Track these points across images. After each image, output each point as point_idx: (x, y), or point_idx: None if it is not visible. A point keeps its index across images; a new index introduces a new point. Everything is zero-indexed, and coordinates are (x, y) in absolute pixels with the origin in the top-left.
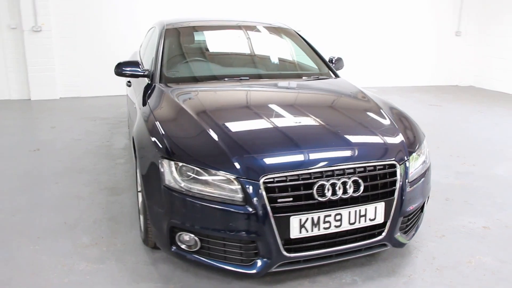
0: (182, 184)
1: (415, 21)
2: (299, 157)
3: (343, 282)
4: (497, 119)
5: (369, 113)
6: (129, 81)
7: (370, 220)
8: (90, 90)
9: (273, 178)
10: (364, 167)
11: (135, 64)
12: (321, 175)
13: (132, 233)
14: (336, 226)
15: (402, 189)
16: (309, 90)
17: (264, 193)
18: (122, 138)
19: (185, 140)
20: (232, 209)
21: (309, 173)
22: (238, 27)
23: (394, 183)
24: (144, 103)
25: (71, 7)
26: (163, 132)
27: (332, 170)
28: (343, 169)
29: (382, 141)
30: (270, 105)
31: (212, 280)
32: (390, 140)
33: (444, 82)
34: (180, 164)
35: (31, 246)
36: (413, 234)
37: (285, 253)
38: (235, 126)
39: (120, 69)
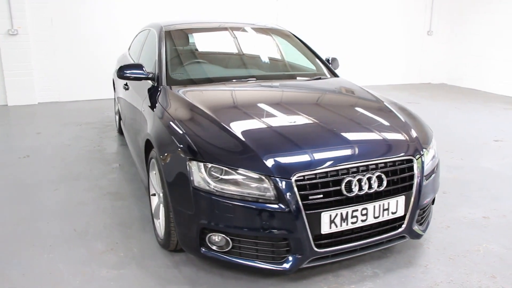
0: (212, 185)
1: (389, 21)
2: (326, 155)
3: (365, 275)
4: (474, 114)
5: (381, 111)
6: (126, 84)
7: (392, 213)
8: (70, 95)
9: (304, 176)
10: (385, 162)
11: (138, 67)
12: (347, 171)
13: (146, 238)
14: (362, 221)
15: (419, 183)
16: (320, 89)
17: (296, 190)
18: (113, 143)
19: (211, 140)
20: (265, 208)
21: (337, 170)
22: (235, 29)
23: (412, 177)
24: (155, 106)
25: (48, 10)
26: (188, 134)
27: (357, 167)
28: (367, 165)
29: (399, 138)
30: (286, 105)
31: (239, 280)
32: (406, 136)
33: (417, 80)
34: (210, 165)
35: (45, 255)
36: (427, 226)
37: (315, 248)
38: (257, 126)
39: (122, 72)
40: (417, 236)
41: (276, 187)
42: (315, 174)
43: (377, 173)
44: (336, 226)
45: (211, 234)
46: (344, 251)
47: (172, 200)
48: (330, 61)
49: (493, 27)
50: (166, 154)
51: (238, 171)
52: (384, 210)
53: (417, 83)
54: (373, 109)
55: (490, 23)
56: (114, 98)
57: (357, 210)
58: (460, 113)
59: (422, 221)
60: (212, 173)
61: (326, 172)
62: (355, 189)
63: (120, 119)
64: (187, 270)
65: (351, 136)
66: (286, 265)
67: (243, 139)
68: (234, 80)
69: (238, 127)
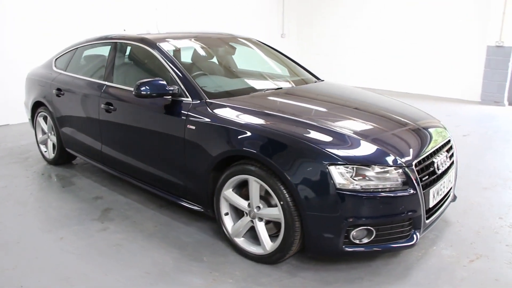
0: (355, 184)
1: (248, 24)
2: (420, 143)
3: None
4: None
5: (405, 105)
6: (110, 105)
7: (450, 182)
8: None
9: (417, 162)
10: (445, 144)
11: (161, 82)
12: (431, 155)
13: (232, 259)
14: (443, 192)
15: (456, 157)
16: (344, 92)
17: (416, 175)
18: (69, 176)
19: (340, 144)
20: (399, 194)
21: (428, 155)
22: (221, 40)
23: (452, 154)
24: (220, 120)
25: None
26: (313, 141)
27: (437, 149)
28: (439, 148)
29: (439, 125)
30: (347, 106)
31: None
32: (440, 123)
33: None
34: (350, 166)
35: None
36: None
37: (426, 221)
38: (354, 127)
39: (147, 89)
40: (454, 199)
41: (405, 175)
42: (421, 160)
43: (445, 153)
44: (435, 200)
45: (354, 230)
46: (434, 220)
47: (309, 209)
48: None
49: (337, 28)
50: (293, 165)
51: (372, 167)
52: (449, 181)
53: None
54: (401, 104)
55: (334, 25)
56: (33, 124)
57: (442, 184)
58: None
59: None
60: (352, 172)
61: (426, 157)
62: (441, 167)
63: (60, 143)
64: (308, 274)
65: (422, 125)
66: (412, 241)
67: (361, 139)
68: (266, 91)
69: (344, 129)
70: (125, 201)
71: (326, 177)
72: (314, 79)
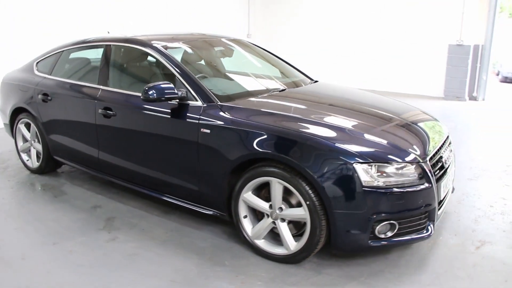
0: (378, 180)
1: (213, 26)
2: (428, 139)
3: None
4: None
5: (404, 104)
6: (108, 110)
7: (452, 175)
8: None
9: (429, 158)
10: (446, 140)
11: (169, 85)
12: (438, 151)
13: (253, 261)
14: (449, 185)
15: (454, 150)
16: (347, 92)
17: (431, 169)
18: (60, 184)
19: (362, 143)
20: (419, 188)
21: (436, 151)
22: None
23: (451, 148)
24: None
25: None
26: (340, 142)
27: (441, 145)
28: (443, 144)
29: (438, 122)
30: (367, 107)
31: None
32: (438, 120)
33: None
34: (372, 164)
35: None
36: None
37: (438, 212)
38: (370, 127)
39: (158, 93)
40: (453, 190)
41: (422, 170)
42: (433, 155)
43: (449, 148)
44: (443, 192)
45: (379, 225)
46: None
47: (336, 206)
48: None
49: (301, 28)
50: (320, 165)
51: (392, 163)
52: (452, 174)
53: None
54: (398, 103)
55: (298, 24)
56: (12, 131)
57: (448, 177)
58: None
59: None
60: (376, 169)
61: (436, 152)
62: (448, 161)
63: (47, 151)
64: (332, 270)
65: (425, 122)
66: (428, 232)
67: (380, 137)
68: (272, 92)
69: (362, 129)
70: (127, 209)
71: (353, 175)
72: (308, 80)
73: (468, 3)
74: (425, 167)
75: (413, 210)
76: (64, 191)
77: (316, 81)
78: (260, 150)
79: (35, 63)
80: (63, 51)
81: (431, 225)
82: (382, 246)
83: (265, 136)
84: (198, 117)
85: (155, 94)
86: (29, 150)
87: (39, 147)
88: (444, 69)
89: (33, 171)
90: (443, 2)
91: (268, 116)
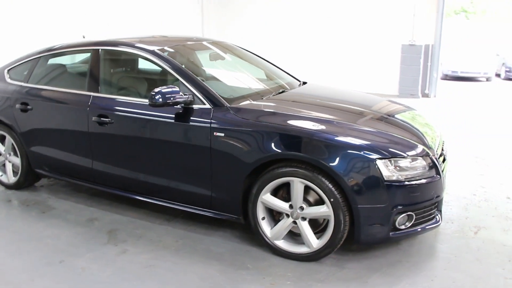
0: (399, 174)
1: (167, 29)
2: (431, 134)
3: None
4: None
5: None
6: (105, 117)
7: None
8: None
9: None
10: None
11: (174, 91)
12: (438, 145)
13: (274, 261)
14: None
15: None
16: (338, 91)
17: (436, 162)
18: (51, 201)
19: (380, 140)
20: (432, 180)
21: (438, 144)
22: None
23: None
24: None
25: None
26: (362, 139)
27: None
28: (440, 141)
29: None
30: (370, 106)
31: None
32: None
33: None
34: (393, 159)
35: None
36: None
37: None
38: (381, 125)
39: (154, 100)
40: None
41: (433, 163)
42: (437, 148)
43: (443, 145)
44: (445, 183)
45: (399, 217)
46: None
47: (360, 201)
48: None
49: (255, 29)
50: (344, 163)
51: (406, 158)
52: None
53: None
54: (389, 102)
55: (252, 25)
56: None
57: (443, 170)
58: None
59: None
60: (392, 164)
61: (439, 145)
62: (446, 154)
63: (27, 164)
64: (353, 264)
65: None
66: (438, 221)
67: (393, 133)
68: (274, 93)
69: (375, 127)
70: (127, 220)
71: (375, 171)
72: (297, 81)
73: (419, 5)
74: (434, 160)
75: (427, 201)
76: (51, 205)
77: (305, 82)
78: (281, 151)
79: (5, 71)
80: (40, 57)
81: (439, 215)
82: (401, 236)
83: (286, 137)
84: (209, 120)
85: (161, 99)
86: (4, 165)
87: (16, 160)
88: (398, 67)
89: (9, 186)
90: (396, 4)
91: (283, 118)
